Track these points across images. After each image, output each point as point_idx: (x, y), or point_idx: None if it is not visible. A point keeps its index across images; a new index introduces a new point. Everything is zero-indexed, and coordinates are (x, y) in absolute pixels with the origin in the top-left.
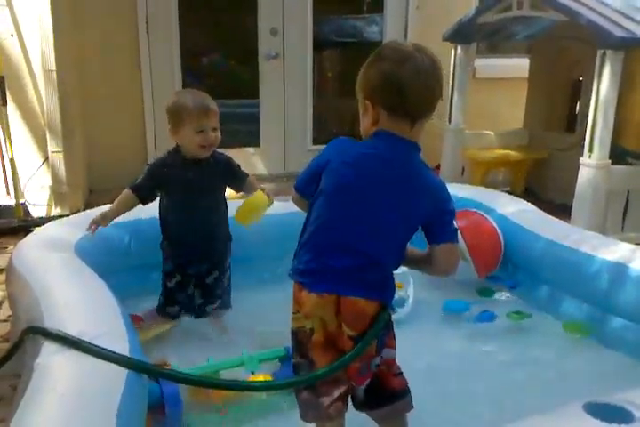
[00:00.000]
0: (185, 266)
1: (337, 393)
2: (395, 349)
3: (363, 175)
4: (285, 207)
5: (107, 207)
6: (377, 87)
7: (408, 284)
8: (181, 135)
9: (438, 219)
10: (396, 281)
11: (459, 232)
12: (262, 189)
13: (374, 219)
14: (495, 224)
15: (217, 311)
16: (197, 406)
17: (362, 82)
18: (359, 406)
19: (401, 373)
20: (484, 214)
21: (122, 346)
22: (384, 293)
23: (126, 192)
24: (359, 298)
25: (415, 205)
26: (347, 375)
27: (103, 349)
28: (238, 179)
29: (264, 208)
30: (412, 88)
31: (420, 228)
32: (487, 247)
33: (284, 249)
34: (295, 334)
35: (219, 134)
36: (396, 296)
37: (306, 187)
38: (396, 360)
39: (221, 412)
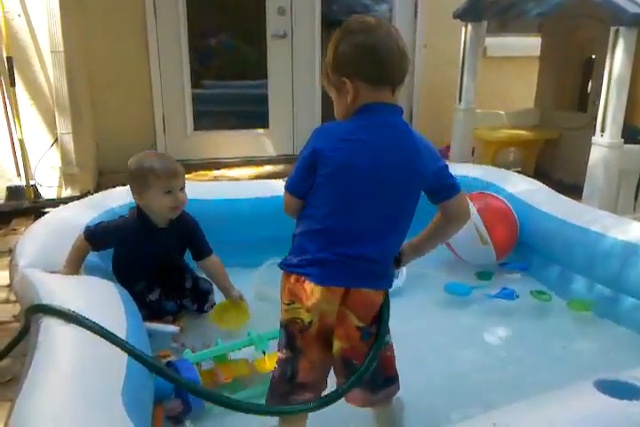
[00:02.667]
0: (160, 280)
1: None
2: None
3: (364, 149)
4: None
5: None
6: (354, 61)
7: None
8: (148, 198)
9: (441, 175)
10: None
11: (478, 215)
12: (241, 298)
13: (384, 196)
14: (510, 206)
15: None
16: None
17: (335, 60)
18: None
19: (393, 355)
20: (499, 196)
21: (119, 333)
22: (390, 280)
23: (82, 242)
24: (370, 290)
25: (420, 170)
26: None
27: (115, 336)
28: (199, 250)
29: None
30: (388, 55)
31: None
32: (506, 229)
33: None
34: (287, 326)
35: (186, 195)
36: None
37: (301, 186)
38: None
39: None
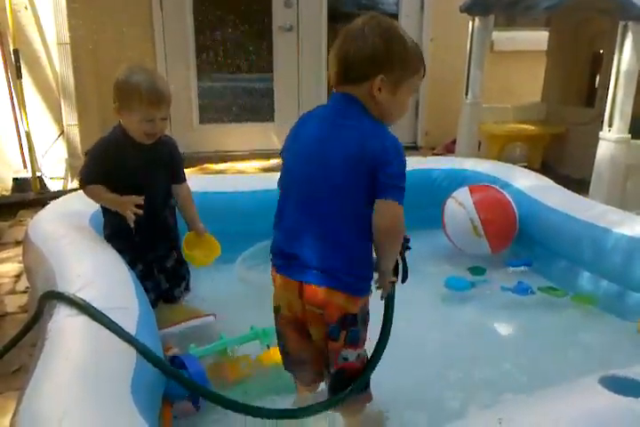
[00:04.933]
0: (144, 254)
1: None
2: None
3: (300, 136)
4: None
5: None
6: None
7: None
8: (126, 119)
9: (379, 171)
10: None
11: (474, 207)
12: (206, 231)
13: (312, 197)
14: (511, 199)
15: (182, 294)
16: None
17: None
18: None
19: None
20: (500, 189)
21: (131, 322)
22: (348, 280)
23: (94, 187)
24: (318, 287)
25: (352, 156)
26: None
27: (125, 331)
28: (177, 173)
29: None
30: (339, 51)
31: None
32: (502, 223)
33: None
34: (274, 311)
35: (166, 124)
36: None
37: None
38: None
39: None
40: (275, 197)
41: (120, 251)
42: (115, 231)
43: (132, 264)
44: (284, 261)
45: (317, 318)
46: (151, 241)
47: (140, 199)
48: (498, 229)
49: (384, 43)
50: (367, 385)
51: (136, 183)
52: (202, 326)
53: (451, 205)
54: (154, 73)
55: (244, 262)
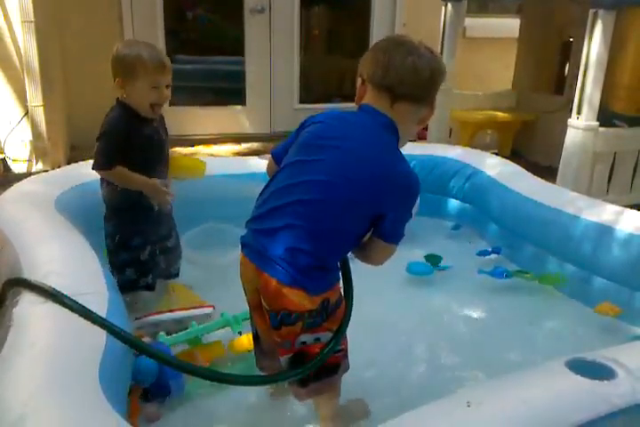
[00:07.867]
0: (152, 235)
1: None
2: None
3: (322, 131)
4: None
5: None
6: (367, 61)
7: None
8: (132, 90)
9: (386, 212)
10: None
11: None
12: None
13: (318, 184)
14: None
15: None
16: None
17: (361, 60)
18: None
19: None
20: None
21: (101, 307)
22: (307, 280)
23: (111, 173)
24: (274, 279)
25: (362, 181)
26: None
27: (96, 314)
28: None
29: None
30: (397, 64)
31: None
32: None
33: None
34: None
35: (169, 93)
36: None
37: (281, 153)
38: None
39: None
40: None
41: (129, 235)
42: (126, 212)
43: (142, 247)
44: (245, 238)
45: (262, 304)
46: (160, 221)
47: (165, 182)
48: None
49: None
50: (331, 371)
51: (151, 160)
52: (199, 317)
53: None
54: (150, 43)
55: (188, 244)
